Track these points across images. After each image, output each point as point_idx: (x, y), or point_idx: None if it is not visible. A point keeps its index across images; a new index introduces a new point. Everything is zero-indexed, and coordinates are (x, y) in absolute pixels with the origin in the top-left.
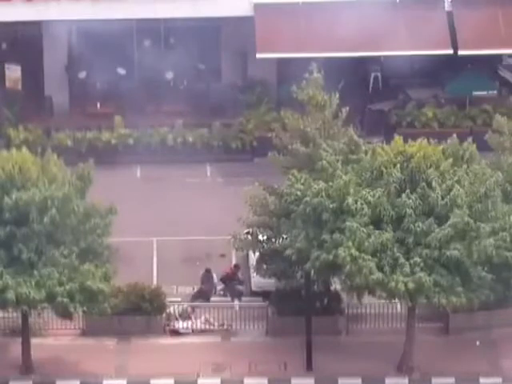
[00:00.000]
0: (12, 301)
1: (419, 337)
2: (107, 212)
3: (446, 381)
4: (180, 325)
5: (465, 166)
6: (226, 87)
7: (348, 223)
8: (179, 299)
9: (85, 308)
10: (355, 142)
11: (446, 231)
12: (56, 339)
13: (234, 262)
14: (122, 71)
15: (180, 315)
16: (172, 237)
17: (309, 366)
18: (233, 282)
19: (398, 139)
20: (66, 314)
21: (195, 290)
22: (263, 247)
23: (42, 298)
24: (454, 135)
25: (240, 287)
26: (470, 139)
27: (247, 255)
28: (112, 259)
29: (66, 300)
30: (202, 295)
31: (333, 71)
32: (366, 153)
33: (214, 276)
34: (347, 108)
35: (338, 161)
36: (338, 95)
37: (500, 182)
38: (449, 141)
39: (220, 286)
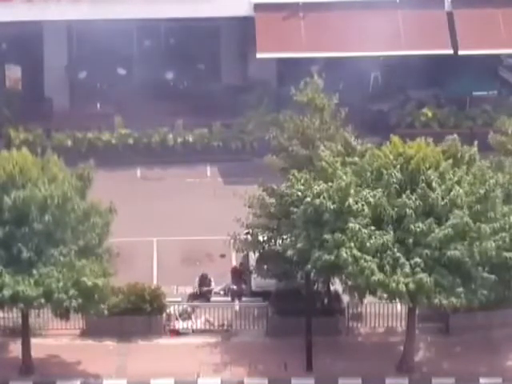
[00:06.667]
0: (7, 298)
1: (419, 337)
2: (106, 211)
3: (446, 381)
4: (180, 325)
5: (464, 167)
6: (226, 87)
7: (350, 224)
8: (179, 299)
9: (79, 301)
10: (350, 144)
11: (445, 231)
12: (56, 339)
13: (234, 262)
14: (122, 71)
15: (180, 315)
16: (172, 237)
17: (309, 366)
18: (239, 279)
19: (395, 139)
20: (62, 312)
21: (194, 290)
22: (263, 248)
23: (39, 294)
24: (455, 135)
25: (238, 287)
26: (475, 143)
27: (247, 255)
28: (111, 259)
29: (61, 296)
30: (200, 297)
31: (333, 71)
32: (361, 155)
33: (212, 279)
34: (346, 109)
35: (336, 162)
36: (337, 97)
37: (500, 183)
38: (449, 141)
39: (220, 287)
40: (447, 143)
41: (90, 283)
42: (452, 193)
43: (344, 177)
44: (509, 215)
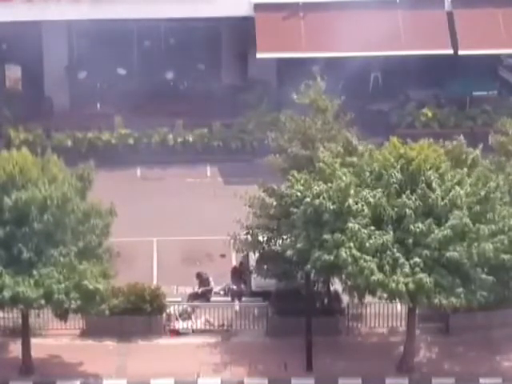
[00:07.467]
0: (7, 299)
1: (419, 337)
2: (107, 213)
3: (446, 381)
4: (180, 325)
5: (465, 169)
6: (226, 87)
7: (350, 224)
8: (179, 299)
9: (79, 302)
10: (351, 144)
11: (445, 232)
12: (56, 339)
13: (234, 262)
14: (122, 71)
15: (180, 315)
16: (172, 237)
17: (309, 366)
18: (239, 279)
19: (394, 140)
20: (62, 313)
21: (197, 289)
22: (263, 248)
23: (40, 296)
24: (462, 137)
25: (238, 287)
26: (480, 146)
27: (247, 255)
28: (111, 259)
29: (61, 297)
30: (201, 296)
31: (333, 71)
32: (362, 155)
33: (210, 278)
34: (352, 114)
35: (336, 162)
36: (341, 98)
37: (501, 184)
38: (454, 142)
39: (220, 287)
40: (453, 144)
41: (91, 287)
42: (452, 193)
43: (344, 177)
44: (508, 218)
